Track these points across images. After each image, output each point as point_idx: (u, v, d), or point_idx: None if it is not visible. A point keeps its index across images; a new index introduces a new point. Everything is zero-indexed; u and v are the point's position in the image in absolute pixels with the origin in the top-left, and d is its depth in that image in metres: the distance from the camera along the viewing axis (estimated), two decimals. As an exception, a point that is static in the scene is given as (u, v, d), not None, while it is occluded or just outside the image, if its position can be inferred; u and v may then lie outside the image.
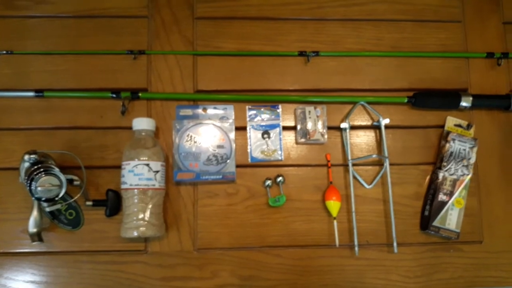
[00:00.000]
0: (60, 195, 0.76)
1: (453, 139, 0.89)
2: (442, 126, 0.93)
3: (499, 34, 0.98)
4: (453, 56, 0.95)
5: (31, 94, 0.87)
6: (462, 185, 0.89)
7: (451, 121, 0.92)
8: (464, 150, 0.89)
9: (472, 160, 0.90)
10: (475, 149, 0.90)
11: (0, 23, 0.91)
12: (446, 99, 0.92)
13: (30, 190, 0.74)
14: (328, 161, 0.90)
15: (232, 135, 0.88)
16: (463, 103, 0.91)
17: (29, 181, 0.74)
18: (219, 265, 0.86)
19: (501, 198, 0.92)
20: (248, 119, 0.90)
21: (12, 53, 0.89)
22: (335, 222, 0.86)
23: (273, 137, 0.90)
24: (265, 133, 0.90)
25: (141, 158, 0.80)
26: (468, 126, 0.92)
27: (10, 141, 0.87)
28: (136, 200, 0.79)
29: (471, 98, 0.91)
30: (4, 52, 0.89)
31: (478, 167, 0.92)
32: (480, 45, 0.97)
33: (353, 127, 0.92)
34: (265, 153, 0.90)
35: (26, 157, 0.76)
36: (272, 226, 0.88)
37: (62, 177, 0.75)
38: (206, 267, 0.86)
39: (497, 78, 0.96)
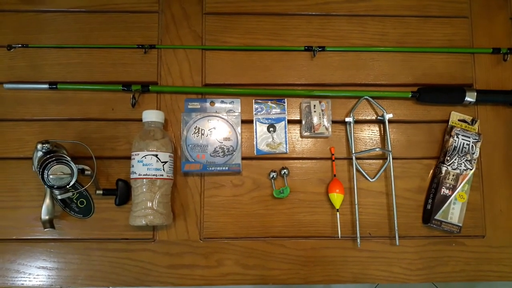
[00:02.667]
0: (71, 183, 0.78)
1: (457, 134, 0.90)
2: (447, 121, 0.93)
3: (506, 29, 0.98)
4: (459, 52, 0.96)
5: (45, 86, 0.90)
6: (465, 180, 0.90)
7: (455, 116, 0.93)
8: (468, 145, 0.90)
9: (476, 155, 0.90)
10: (478, 144, 0.90)
11: (16, 17, 0.93)
12: (450, 94, 0.92)
13: (43, 178, 0.77)
14: (332, 154, 0.91)
15: (238, 128, 0.90)
16: (468, 98, 0.91)
17: (41, 170, 0.77)
18: (224, 254, 0.88)
19: (504, 193, 0.92)
20: (254, 112, 0.92)
21: (28, 47, 0.92)
22: (337, 214, 0.88)
23: (279, 130, 0.92)
24: (271, 126, 0.92)
25: (150, 149, 0.82)
26: (473, 121, 0.93)
27: (24, 131, 0.90)
28: (144, 190, 0.82)
29: (475, 93, 0.91)
30: (20, 45, 0.92)
31: (482, 162, 0.93)
32: (486, 40, 0.97)
33: (357, 121, 0.93)
34: (271, 146, 0.91)
35: (39, 146, 0.79)
36: (276, 217, 0.90)
37: (73, 166, 0.78)
38: (212, 256, 0.88)
39: (503, 74, 0.96)
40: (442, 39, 0.97)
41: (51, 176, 0.77)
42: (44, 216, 0.82)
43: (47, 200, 0.82)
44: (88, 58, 0.93)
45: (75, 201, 0.87)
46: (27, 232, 0.88)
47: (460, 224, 0.89)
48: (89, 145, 0.86)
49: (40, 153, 0.80)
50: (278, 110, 0.92)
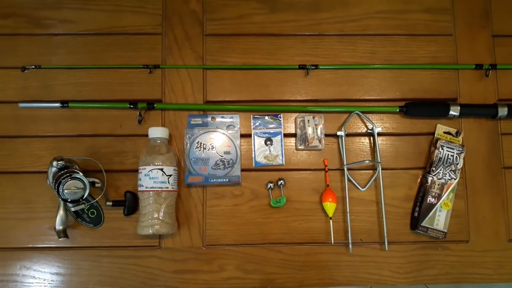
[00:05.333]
0: (84, 197, 0.85)
1: (442, 146, 0.96)
2: (432, 133, 0.99)
3: (488, 46, 1.04)
4: (443, 68, 1.02)
5: (57, 105, 0.96)
6: (450, 189, 0.96)
7: (440, 129, 0.99)
8: (452, 156, 0.96)
9: (460, 165, 0.97)
10: (462, 155, 0.97)
11: (29, 40, 1.00)
12: (435, 108, 0.98)
13: (58, 192, 0.83)
14: (326, 165, 0.98)
15: (238, 142, 0.96)
16: (452, 112, 0.97)
17: (56, 185, 0.83)
18: (225, 260, 0.94)
19: (487, 200, 0.98)
20: (252, 127, 0.98)
21: (40, 68, 0.98)
22: (331, 221, 0.94)
23: (275, 143, 0.98)
24: (268, 140, 0.98)
25: (156, 163, 0.89)
26: (457, 134, 0.99)
27: (38, 147, 0.97)
28: (151, 201, 0.88)
29: (459, 108, 0.97)
30: (33, 66, 0.98)
31: (466, 171, 0.99)
32: (469, 57, 1.03)
33: (348, 135, 0.99)
34: (268, 158, 0.98)
35: (54, 163, 0.85)
36: (273, 225, 0.96)
37: (86, 181, 0.84)
38: (214, 262, 0.94)
39: (485, 88, 1.02)
40: (428, 56, 1.03)
41: (65, 191, 0.83)
42: (59, 226, 0.88)
43: (61, 212, 0.88)
44: (97, 78, 0.99)
45: (86, 212, 0.94)
46: (42, 241, 0.94)
47: (445, 230, 0.95)
48: (98, 160, 0.93)
49: (54, 169, 0.86)
50: (274, 125, 0.98)
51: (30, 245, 0.94)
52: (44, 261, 0.94)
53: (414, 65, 1.02)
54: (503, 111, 0.98)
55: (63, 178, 0.83)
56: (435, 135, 0.99)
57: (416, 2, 1.04)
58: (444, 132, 0.99)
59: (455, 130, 0.99)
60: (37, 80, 0.99)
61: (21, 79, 0.98)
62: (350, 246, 0.94)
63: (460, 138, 0.99)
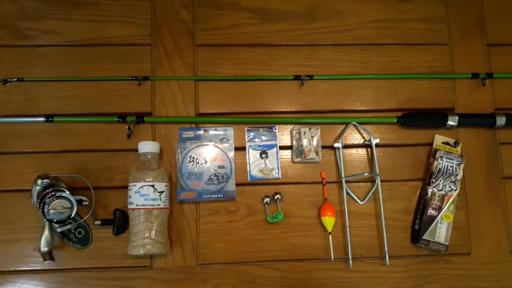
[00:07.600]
0: (71, 216, 0.80)
1: (441, 157, 0.94)
2: (431, 144, 0.97)
3: (483, 55, 1.03)
4: (440, 78, 1.01)
5: (41, 119, 0.92)
6: (450, 200, 0.94)
7: (439, 139, 0.97)
8: (452, 166, 0.94)
9: (459, 176, 0.95)
10: (462, 166, 0.95)
11: (11, 52, 0.95)
12: (433, 118, 0.97)
13: (43, 212, 0.78)
14: (323, 178, 0.95)
15: (232, 155, 0.93)
16: (450, 122, 0.96)
17: (41, 204, 0.78)
18: (221, 279, 0.90)
19: (488, 211, 0.96)
20: (247, 139, 0.95)
21: (23, 80, 0.94)
22: (330, 236, 0.91)
23: (271, 156, 0.95)
24: (263, 153, 0.95)
25: (147, 180, 0.85)
26: (455, 144, 0.97)
27: (21, 164, 0.92)
28: (142, 220, 0.84)
29: (457, 117, 0.96)
30: (15, 79, 0.94)
31: (466, 182, 0.97)
32: (465, 66, 1.02)
33: (345, 146, 0.96)
34: (264, 172, 0.94)
35: (39, 181, 0.80)
36: (270, 241, 0.92)
37: (73, 200, 0.79)
38: (209, 282, 0.90)
39: (482, 98, 1.01)
40: (424, 66, 1.01)
41: (51, 211, 0.78)
42: (44, 248, 0.82)
43: (46, 232, 0.83)
44: (83, 91, 0.95)
45: (74, 232, 0.89)
46: (26, 263, 0.89)
47: (447, 243, 0.93)
48: (86, 176, 0.88)
49: (39, 188, 0.81)
50: (269, 137, 0.95)
51: (13, 268, 0.89)
52: (28, 285, 0.88)
53: (410, 74, 1.00)
54: (501, 121, 0.96)
55: (49, 198, 0.78)
56: (434, 146, 0.97)
57: (411, 11, 1.03)
58: (443, 143, 0.97)
59: (454, 140, 0.98)
60: (19, 93, 0.94)
61: (3, 92, 0.94)
62: (350, 261, 0.90)
63: (458, 148, 0.97)
